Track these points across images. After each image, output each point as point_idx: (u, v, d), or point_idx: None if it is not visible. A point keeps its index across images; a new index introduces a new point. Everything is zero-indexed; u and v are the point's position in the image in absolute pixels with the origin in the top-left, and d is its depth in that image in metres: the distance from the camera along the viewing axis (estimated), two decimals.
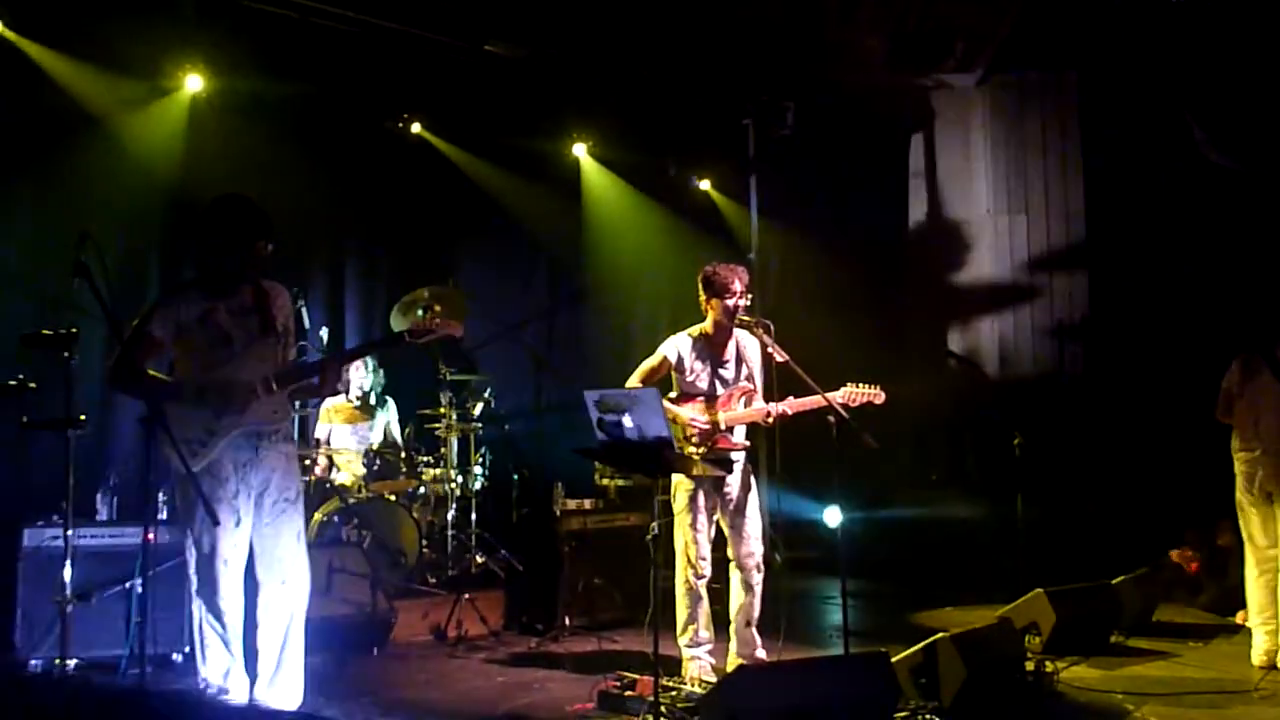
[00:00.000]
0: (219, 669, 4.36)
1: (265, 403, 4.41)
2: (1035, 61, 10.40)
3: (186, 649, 5.55)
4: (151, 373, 4.36)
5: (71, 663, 4.93)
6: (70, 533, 4.85)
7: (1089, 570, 6.80)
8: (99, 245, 4.11)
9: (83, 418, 4.60)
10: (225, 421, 4.32)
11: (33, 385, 5.15)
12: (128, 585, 5.50)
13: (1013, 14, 9.34)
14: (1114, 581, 6.61)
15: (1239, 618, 6.93)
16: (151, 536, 4.92)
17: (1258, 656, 5.90)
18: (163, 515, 5.86)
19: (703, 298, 5.56)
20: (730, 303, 5.43)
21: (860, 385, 5.29)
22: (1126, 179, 10.27)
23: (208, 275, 4.52)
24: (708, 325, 5.59)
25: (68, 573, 4.80)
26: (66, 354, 4.71)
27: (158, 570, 5.30)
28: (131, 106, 7.61)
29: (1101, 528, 8.88)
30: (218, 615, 4.34)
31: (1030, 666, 5.39)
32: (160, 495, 5.88)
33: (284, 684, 4.46)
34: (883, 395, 5.31)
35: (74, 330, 4.57)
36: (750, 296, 5.53)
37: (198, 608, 4.37)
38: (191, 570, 4.37)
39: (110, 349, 4.31)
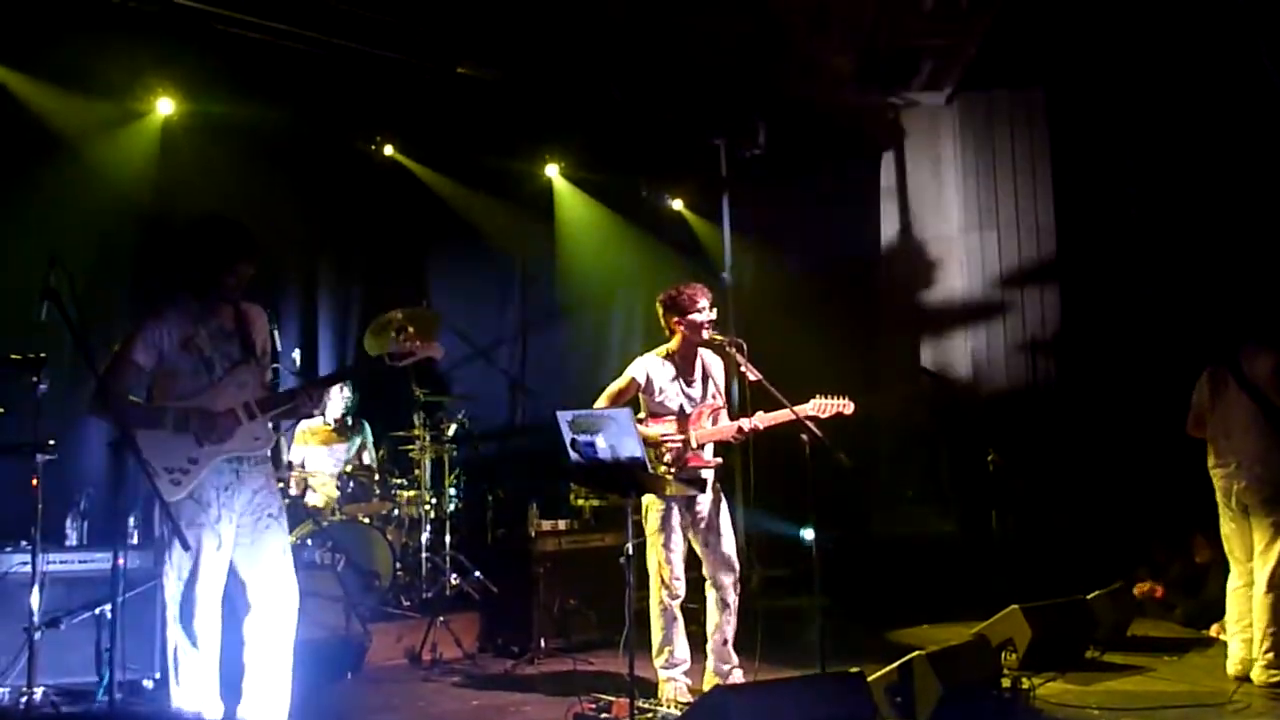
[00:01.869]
0: (194, 695, 4.30)
1: (247, 429, 4.38)
2: (1003, 79, 10.51)
3: (158, 675, 5.49)
4: (132, 399, 4.32)
5: (39, 691, 4.86)
6: (39, 558, 4.79)
7: (1064, 585, 6.83)
8: (68, 269, 4.07)
9: (51, 442, 4.56)
10: (207, 449, 4.29)
11: (0, 410, 5.10)
12: (98, 611, 5.43)
13: (979, 32, 9.45)
14: (1089, 597, 6.63)
15: (1213, 630, 6.99)
16: (122, 561, 4.87)
17: (1233, 666, 5.93)
18: (133, 540, 5.80)
19: (667, 320, 5.57)
20: (699, 318, 5.45)
21: (829, 397, 5.31)
22: (1095, 193, 10.38)
23: (187, 297, 4.47)
24: (674, 345, 5.60)
25: (36, 599, 4.73)
26: (35, 378, 4.67)
27: (129, 595, 5.25)
28: (102, 129, 7.57)
29: (1076, 542, 8.92)
30: (194, 640, 4.28)
31: (1006, 683, 5.40)
32: (130, 519, 5.82)
33: (271, 702, 4.41)
34: (852, 406, 5.33)
35: (42, 355, 4.53)
36: (715, 311, 5.56)
37: (174, 633, 4.31)
38: (169, 596, 4.31)
39: (79, 373, 4.26)
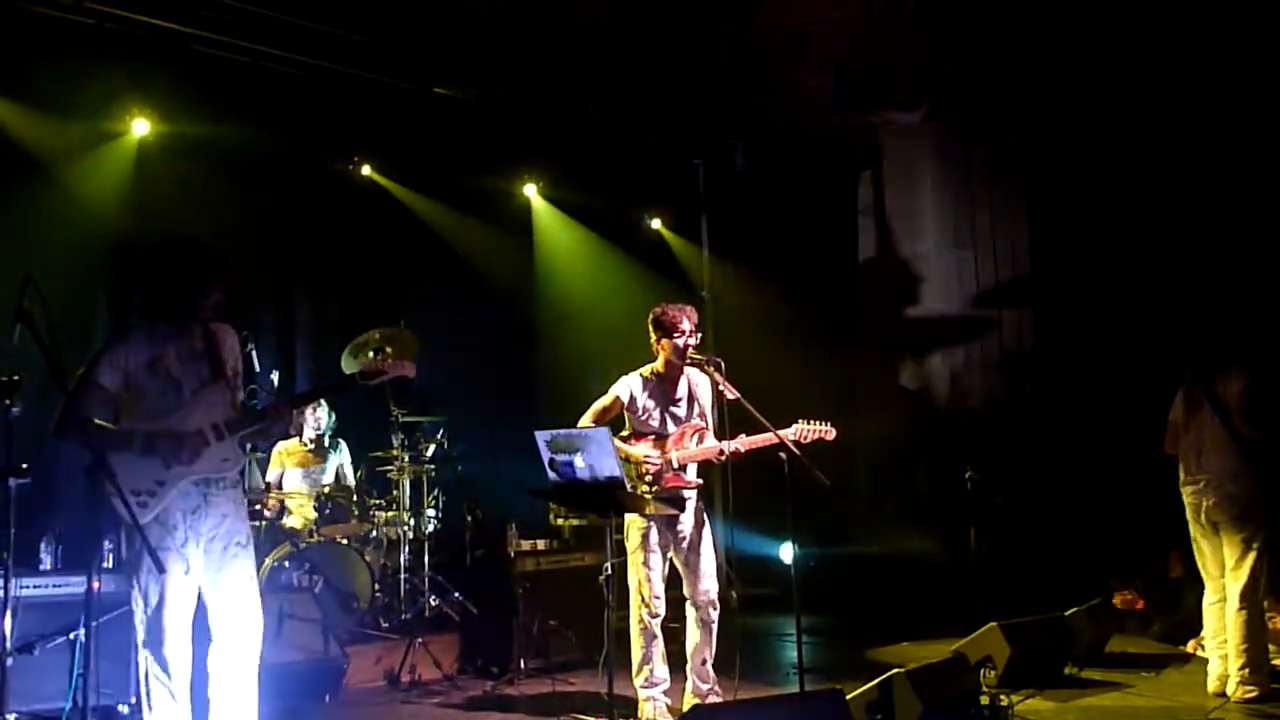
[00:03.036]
0: None
1: (215, 451, 4.34)
2: (979, 99, 10.59)
3: (132, 700, 5.44)
4: (98, 422, 4.28)
5: (11, 717, 4.80)
6: (11, 582, 4.73)
7: (1042, 602, 6.85)
8: (42, 291, 4.04)
9: (24, 466, 4.51)
10: (175, 471, 4.25)
11: None
12: (72, 635, 5.38)
13: (955, 53, 9.52)
14: (1067, 613, 6.65)
15: (1190, 646, 7.02)
16: (97, 585, 4.83)
17: (1213, 683, 5.95)
18: (107, 564, 5.75)
19: (653, 338, 5.59)
20: (680, 341, 5.46)
21: (811, 422, 5.32)
22: (1070, 212, 10.46)
23: (157, 318, 4.44)
24: (659, 364, 5.61)
25: (9, 624, 4.68)
26: (8, 401, 4.63)
27: (103, 620, 5.20)
28: (77, 150, 7.54)
29: (1054, 559, 8.95)
30: (164, 666, 4.24)
31: (985, 700, 5.41)
32: (105, 543, 5.77)
33: None
34: (833, 432, 5.34)
35: (16, 378, 4.49)
36: (700, 335, 5.57)
37: (144, 658, 4.27)
38: (138, 620, 4.28)
39: (54, 396, 4.23)
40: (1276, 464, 5.77)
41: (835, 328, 10.67)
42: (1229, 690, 5.79)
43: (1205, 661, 6.17)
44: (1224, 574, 5.93)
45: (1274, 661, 6.10)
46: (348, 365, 7.29)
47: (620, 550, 5.48)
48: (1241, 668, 5.73)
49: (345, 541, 7.23)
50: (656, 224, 10.51)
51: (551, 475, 4.53)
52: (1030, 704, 5.73)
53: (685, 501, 5.51)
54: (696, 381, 5.66)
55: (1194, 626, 6.69)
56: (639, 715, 5.43)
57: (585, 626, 6.81)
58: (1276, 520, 5.81)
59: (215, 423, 4.33)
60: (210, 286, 4.37)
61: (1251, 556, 5.74)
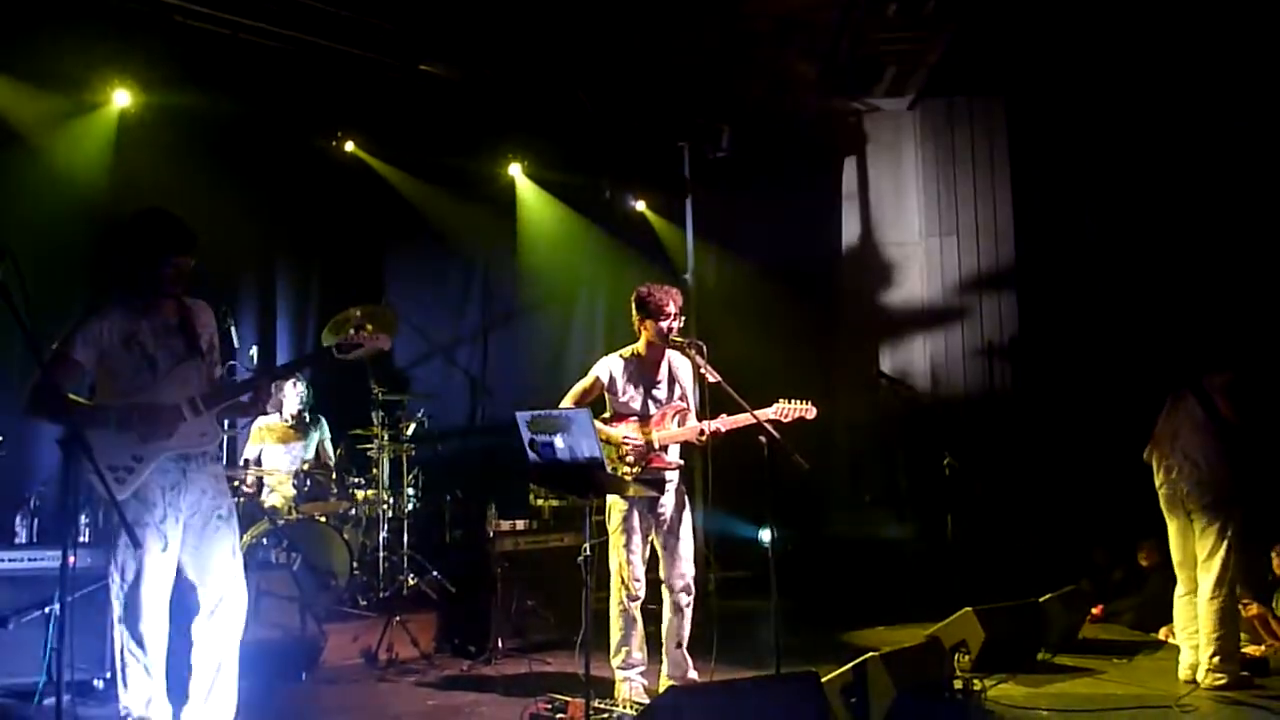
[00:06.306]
0: (141, 697, 4.26)
1: (192, 425, 4.33)
2: (964, 86, 10.60)
3: (108, 674, 5.43)
4: (72, 397, 4.25)
5: None
6: None
7: (1017, 588, 6.90)
8: (18, 263, 4.00)
9: (0, 439, 4.48)
10: (151, 446, 4.23)
11: None
12: (47, 610, 5.36)
13: (942, 40, 9.52)
14: (1041, 600, 6.71)
15: (1162, 634, 7.09)
16: (72, 559, 4.81)
17: (1184, 671, 6.02)
18: (84, 538, 5.72)
19: (636, 319, 5.58)
20: (664, 324, 5.45)
21: (792, 401, 5.33)
22: (1053, 201, 10.49)
23: (129, 292, 4.40)
24: (640, 346, 5.61)
25: None
26: None
27: (79, 594, 5.19)
28: (56, 121, 7.46)
29: (1030, 546, 9.01)
30: (140, 642, 4.24)
31: (959, 685, 5.45)
32: (82, 517, 5.74)
33: (217, 704, 4.36)
34: (814, 410, 5.34)
35: None
36: (683, 317, 5.56)
37: (119, 634, 4.27)
38: (114, 596, 4.27)
39: (29, 369, 4.19)
40: (1251, 453, 5.82)
41: (817, 312, 10.67)
42: (1199, 678, 5.85)
43: (1177, 649, 6.22)
44: (1193, 564, 5.98)
45: (1244, 650, 6.17)
46: (328, 342, 7.24)
47: (600, 531, 5.50)
48: (1212, 655, 5.79)
49: (324, 519, 7.21)
50: (641, 206, 10.48)
51: (531, 456, 4.53)
52: (1003, 689, 5.78)
53: (666, 483, 5.52)
54: (677, 364, 5.65)
55: (1164, 614, 6.75)
56: (615, 696, 5.45)
57: (563, 607, 6.84)
58: (1248, 510, 5.87)
59: (192, 397, 4.31)
60: (168, 257, 4.31)
61: (1223, 548, 5.79)
